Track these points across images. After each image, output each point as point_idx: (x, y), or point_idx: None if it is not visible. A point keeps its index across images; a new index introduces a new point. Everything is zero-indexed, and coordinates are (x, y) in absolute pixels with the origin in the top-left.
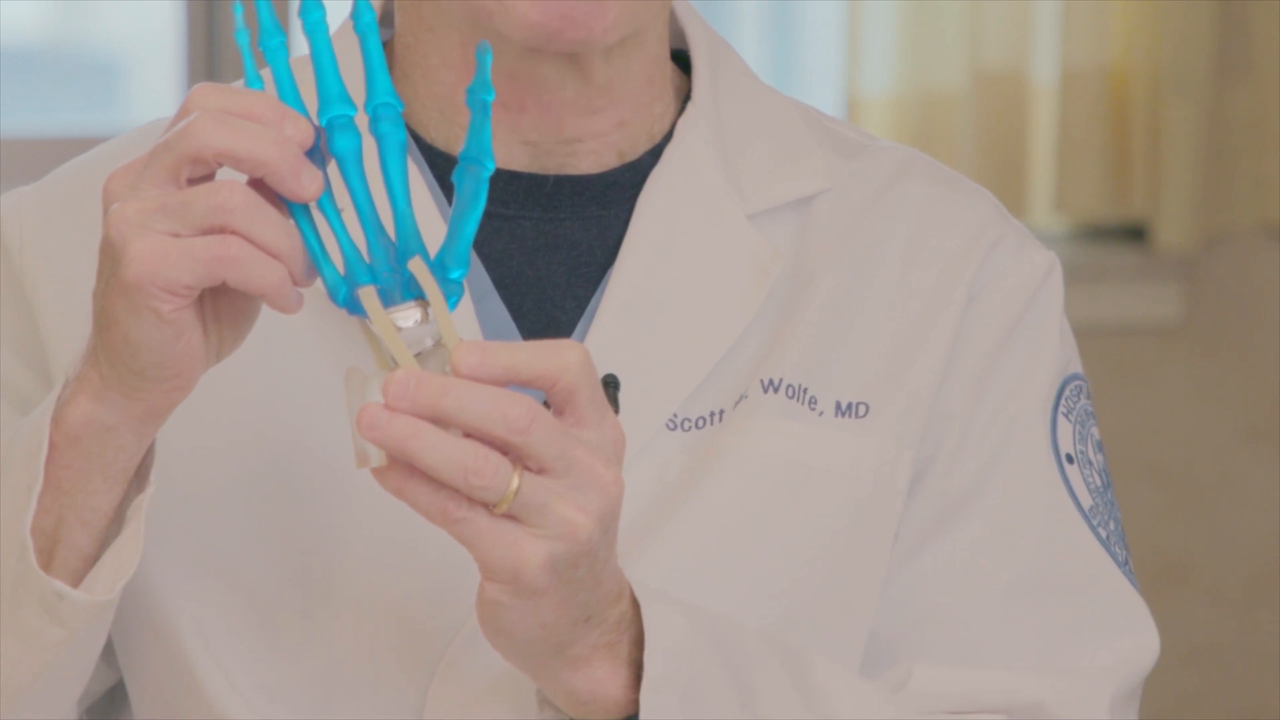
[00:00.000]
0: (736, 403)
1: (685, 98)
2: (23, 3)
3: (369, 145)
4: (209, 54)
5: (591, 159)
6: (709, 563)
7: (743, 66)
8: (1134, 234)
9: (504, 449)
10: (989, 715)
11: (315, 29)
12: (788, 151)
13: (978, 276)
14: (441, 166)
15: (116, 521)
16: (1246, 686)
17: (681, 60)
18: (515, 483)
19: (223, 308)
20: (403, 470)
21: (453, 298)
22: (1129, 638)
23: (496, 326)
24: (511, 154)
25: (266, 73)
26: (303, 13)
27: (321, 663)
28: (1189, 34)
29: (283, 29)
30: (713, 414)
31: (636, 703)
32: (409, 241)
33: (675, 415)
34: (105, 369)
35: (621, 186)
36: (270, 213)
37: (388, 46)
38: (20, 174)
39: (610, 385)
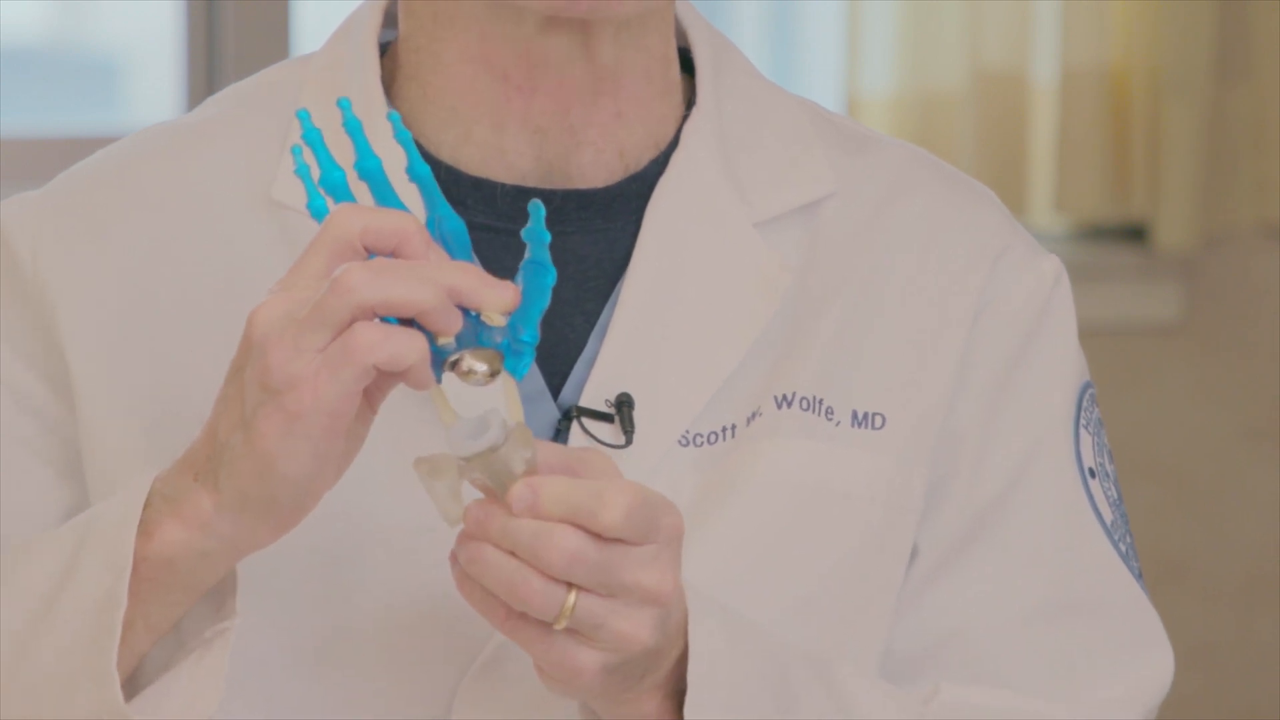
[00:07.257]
0: (750, 419)
1: (690, 101)
2: (23, 3)
3: None
4: (209, 54)
5: (593, 153)
6: (723, 587)
7: (746, 65)
8: (1134, 234)
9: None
10: None
11: (371, 174)
12: (793, 154)
13: (987, 287)
14: (443, 181)
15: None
16: (1246, 686)
17: (685, 62)
18: (571, 600)
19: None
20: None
21: (526, 356)
22: (1149, 657)
23: None
24: (521, 152)
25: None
26: (359, 165)
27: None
28: (1189, 34)
29: (339, 165)
30: (725, 429)
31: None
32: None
33: (688, 431)
34: (229, 495)
35: (627, 198)
36: (396, 275)
37: (390, 49)
38: (20, 174)
39: (625, 405)
